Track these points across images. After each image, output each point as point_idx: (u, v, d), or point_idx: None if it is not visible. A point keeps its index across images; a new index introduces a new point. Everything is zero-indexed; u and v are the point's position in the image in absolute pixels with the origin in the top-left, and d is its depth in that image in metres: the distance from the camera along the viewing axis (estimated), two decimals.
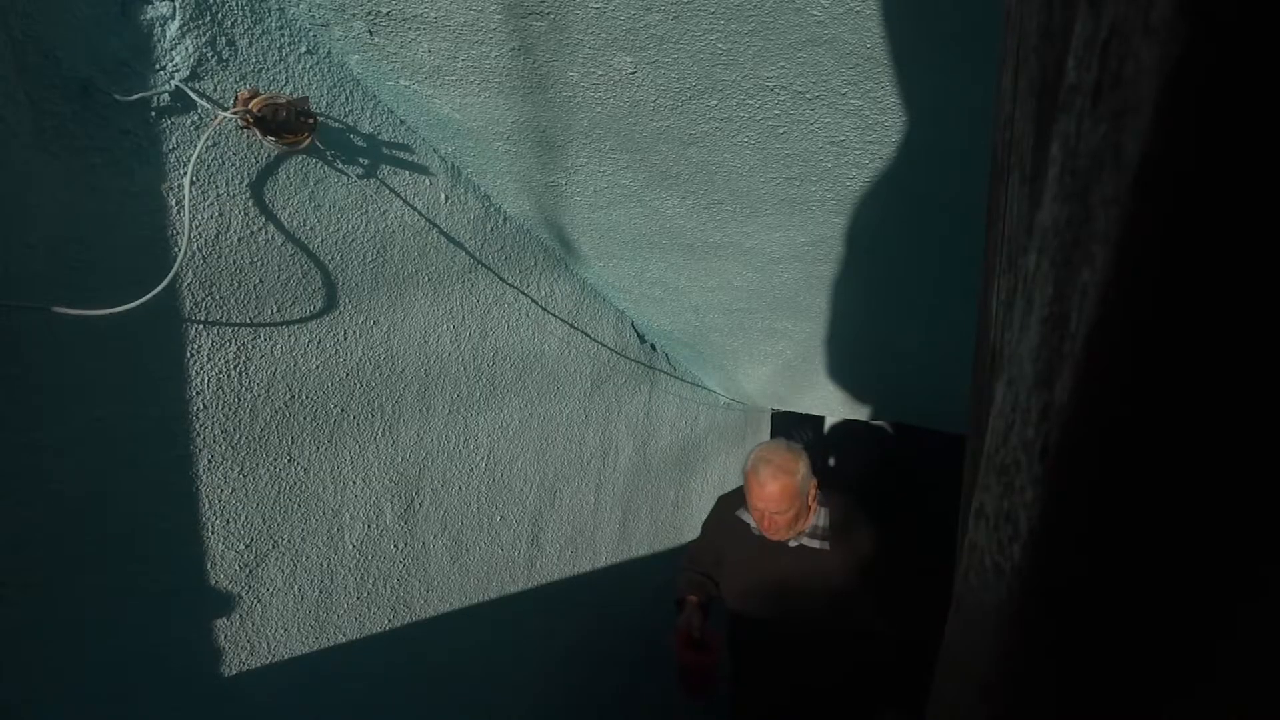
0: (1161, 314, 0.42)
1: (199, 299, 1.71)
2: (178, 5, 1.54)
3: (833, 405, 3.71)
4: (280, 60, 1.73)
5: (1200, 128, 0.34)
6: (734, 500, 3.04)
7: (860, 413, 3.62)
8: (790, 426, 5.75)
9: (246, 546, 1.91)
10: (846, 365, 3.03)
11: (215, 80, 1.63)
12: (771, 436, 5.55)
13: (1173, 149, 0.35)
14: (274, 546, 1.98)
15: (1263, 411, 0.43)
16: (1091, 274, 0.45)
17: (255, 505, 1.91)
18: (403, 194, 2.12)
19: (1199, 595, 0.51)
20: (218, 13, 1.60)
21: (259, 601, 1.97)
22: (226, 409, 1.80)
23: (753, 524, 2.78)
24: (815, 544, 2.67)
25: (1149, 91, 0.34)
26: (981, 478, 0.72)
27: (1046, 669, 0.62)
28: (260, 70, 1.70)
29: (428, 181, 2.19)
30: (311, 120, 1.75)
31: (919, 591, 2.48)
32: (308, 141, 1.76)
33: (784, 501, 2.56)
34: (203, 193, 1.67)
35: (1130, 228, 0.39)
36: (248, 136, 1.70)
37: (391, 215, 2.10)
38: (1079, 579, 0.56)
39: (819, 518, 2.71)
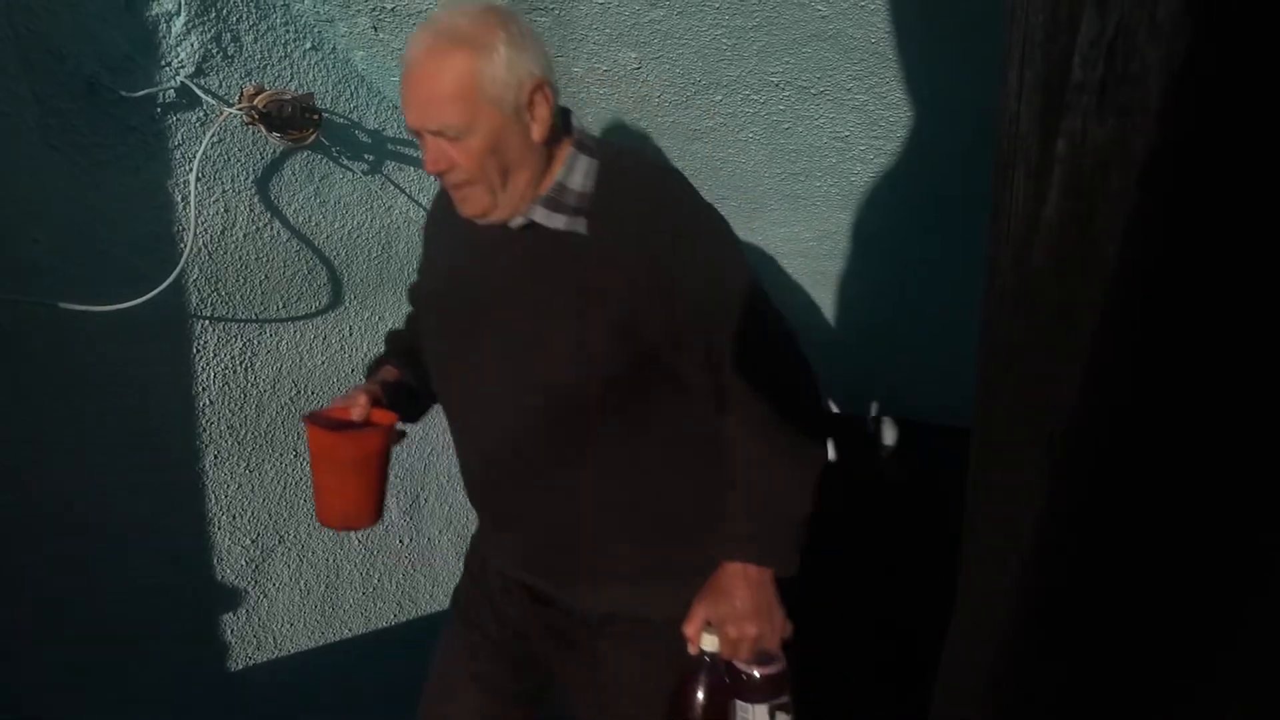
0: (1167, 309, 0.43)
1: (204, 295, 1.72)
2: (183, 1, 1.54)
3: (835, 401, 3.71)
4: (285, 56, 1.73)
5: (1204, 125, 0.34)
6: None
7: (864, 408, 3.62)
8: None
9: (253, 542, 1.92)
10: (850, 361, 3.03)
11: (221, 76, 1.63)
12: None
13: (1178, 146, 0.35)
14: (280, 541, 1.99)
15: (1266, 403, 0.43)
16: (1097, 269, 0.45)
17: (261, 501, 1.92)
18: (407, 190, 2.12)
19: (1202, 587, 0.51)
20: (223, 9, 1.60)
21: (265, 596, 1.97)
22: (232, 405, 1.81)
23: None
24: (560, 220, 1.33)
25: (1155, 90, 0.34)
26: (987, 471, 0.72)
27: (1051, 660, 0.62)
28: (265, 66, 1.70)
29: (432, 177, 2.19)
30: (316, 116, 1.76)
31: (760, 329, 1.39)
32: (313, 138, 1.77)
33: (455, 107, 1.25)
34: (208, 189, 1.67)
35: (1136, 223, 0.39)
36: (253, 133, 1.71)
37: (396, 211, 2.10)
38: (1083, 570, 0.57)
39: (572, 171, 1.35)
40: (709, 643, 1.32)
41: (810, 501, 1.40)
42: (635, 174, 1.41)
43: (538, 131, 1.31)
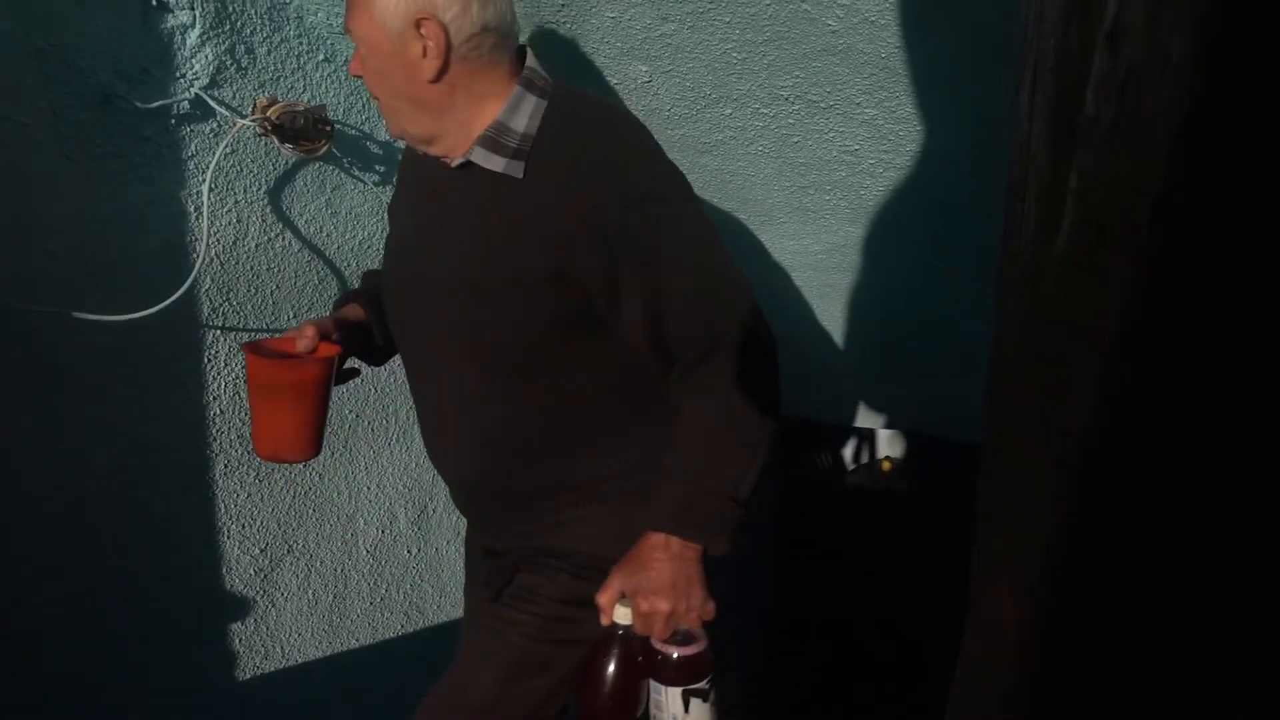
0: (1178, 331, 0.43)
1: (216, 304, 1.73)
2: (198, 14, 1.56)
3: (844, 414, 3.71)
4: (298, 68, 1.75)
5: (1214, 165, 0.34)
6: None
7: (873, 421, 3.62)
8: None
9: (262, 551, 1.92)
10: (859, 374, 3.02)
11: (234, 88, 1.65)
12: None
13: (1189, 184, 0.35)
14: (289, 551, 1.99)
15: (1275, 427, 0.43)
16: (1109, 293, 0.45)
17: (270, 510, 1.93)
18: None
19: (1211, 609, 0.51)
20: (237, 21, 1.61)
21: (273, 606, 1.98)
22: (243, 414, 1.82)
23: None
24: (498, 162, 1.26)
25: (1167, 130, 0.35)
26: (997, 486, 0.72)
27: (1060, 675, 0.62)
28: (279, 78, 1.72)
29: None
30: (328, 127, 1.77)
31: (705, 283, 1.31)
32: (325, 149, 1.78)
33: (356, 14, 1.23)
34: (221, 199, 1.68)
35: (1148, 255, 0.40)
36: (266, 144, 1.72)
37: None
38: (1093, 587, 0.57)
39: (515, 111, 1.27)
40: (622, 615, 1.25)
41: (750, 480, 1.31)
42: (582, 115, 1.33)
43: (428, 69, 1.22)
